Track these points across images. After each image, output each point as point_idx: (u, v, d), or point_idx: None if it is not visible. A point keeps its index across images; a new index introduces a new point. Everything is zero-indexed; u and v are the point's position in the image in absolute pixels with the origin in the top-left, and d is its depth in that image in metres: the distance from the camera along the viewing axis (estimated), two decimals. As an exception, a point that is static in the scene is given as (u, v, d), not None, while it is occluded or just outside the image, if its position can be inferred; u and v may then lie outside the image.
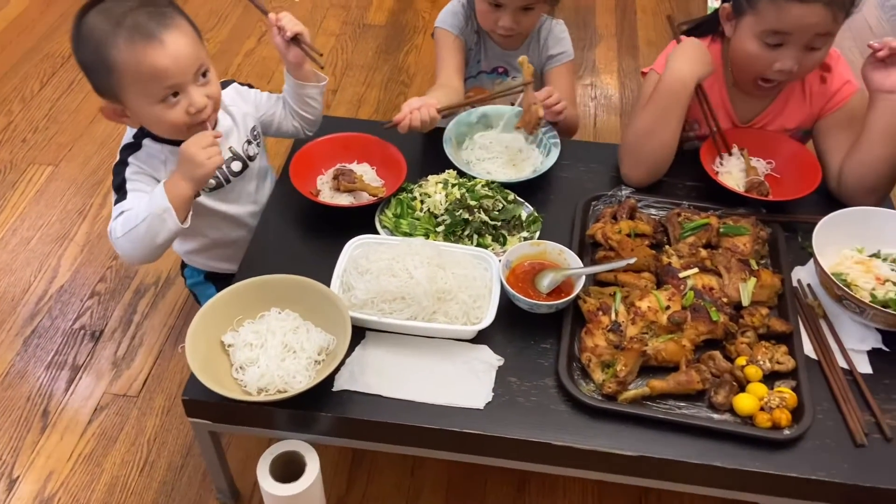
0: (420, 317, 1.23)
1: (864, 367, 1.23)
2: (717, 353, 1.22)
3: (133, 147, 1.36)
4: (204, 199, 1.43)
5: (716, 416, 1.16)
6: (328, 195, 1.49)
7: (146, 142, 1.36)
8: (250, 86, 1.55)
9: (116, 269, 1.95)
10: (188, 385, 1.18)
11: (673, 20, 1.59)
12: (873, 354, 1.25)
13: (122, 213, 1.30)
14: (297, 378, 1.16)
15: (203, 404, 1.18)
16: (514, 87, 1.61)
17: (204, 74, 1.29)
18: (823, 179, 1.51)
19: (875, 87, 1.43)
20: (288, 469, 1.20)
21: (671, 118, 1.49)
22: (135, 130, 1.37)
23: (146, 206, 1.27)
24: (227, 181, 1.47)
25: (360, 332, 1.27)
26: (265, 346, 1.19)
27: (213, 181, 1.43)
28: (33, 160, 2.28)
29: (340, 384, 1.19)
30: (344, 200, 1.48)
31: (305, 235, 1.46)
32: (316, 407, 1.17)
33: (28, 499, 1.48)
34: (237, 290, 1.24)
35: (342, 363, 1.20)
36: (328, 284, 1.26)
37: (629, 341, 1.20)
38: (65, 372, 1.70)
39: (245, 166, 1.48)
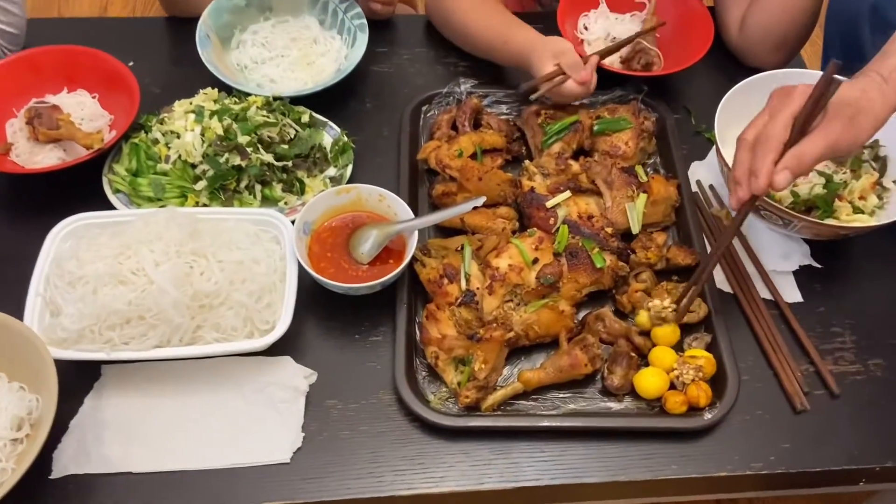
0: (175, 339, 0.80)
1: (791, 293, 0.94)
2: (606, 312, 0.89)
3: None
4: None
5: (614, 405, 0.84)
6: (26, 150, 0.98)
7: None
8: None
9: None
10: None
11: None
12: (801, 274, 0.96)
13: None
14: (-19, 481, 0.72)
15: None
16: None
17: None
18: (718, 34, 1.14)
19: None
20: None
21: None
22: None
23: None
24: None
25: (91, 372, 0.83)
26: (-81, 437, 0.74)
27: None
28: None
29: (63, 466, 0.77)
30: (49, 158, 0.97)
31: (-10, 225, 0.96)
32: (27, 513, 0.75)
33: None
34: None
35: (63, 431, 0.78)
36: (21, 309, 0.80)
37: (486, 328, 0.83)
38: None
39: None
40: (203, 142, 0.94)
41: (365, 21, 1.12)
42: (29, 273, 0.84)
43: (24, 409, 0.76)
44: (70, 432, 0.79)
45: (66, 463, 0.77)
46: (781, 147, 0.74)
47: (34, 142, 0.98)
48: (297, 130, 1.01)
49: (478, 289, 0.88)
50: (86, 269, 0.81)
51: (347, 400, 0.84)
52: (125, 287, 0.80)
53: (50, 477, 0.77)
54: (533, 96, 1.02)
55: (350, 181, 1.00)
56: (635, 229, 0.95)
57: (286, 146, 0.98)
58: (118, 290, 0.79)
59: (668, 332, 0.86)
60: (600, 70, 1.08)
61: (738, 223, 0.83)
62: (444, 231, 0.97)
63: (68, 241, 0.86)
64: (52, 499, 0.76)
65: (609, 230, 0.94)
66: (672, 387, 0.84)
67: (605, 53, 1.07)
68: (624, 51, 1.12)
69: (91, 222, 0.88)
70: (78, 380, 0.81)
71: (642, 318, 0.88)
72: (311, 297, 0.90)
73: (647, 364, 0.86)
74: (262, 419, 0.82)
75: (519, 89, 1.04)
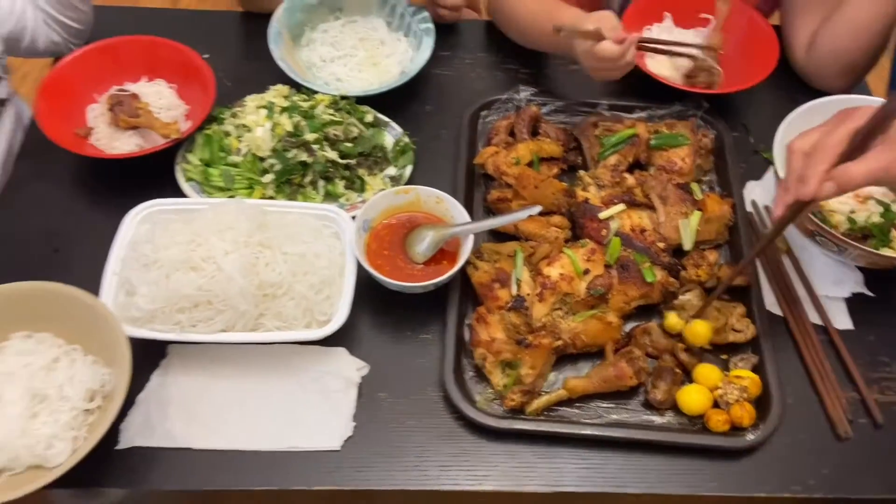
0: (239, 325, 0.85)
1: (842, 320, 0.94)
2: (653, 326, 0.90)
3: None
4: None
5: (656, 418, 0.86)
6: (106, 135, 1.03)
7: None
8: None
9: None
10: None
11: None
12: (853, 302, 0.96)
13: None
14: (56, 447, 0.77)
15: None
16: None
17: None
18: (784, 55, 1.14)
19: None
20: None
21: None
22: None
23: None
24: None
25: (158, 350, 0.88)
26: (1, 399, 0.79)
27: None
28: None
29: (130, 438, 0.82)
30: (128, 144, 1.02)
31: (71, 206, 1.01)
32: (94, 479, 0.80)
33: None
34: (-49, 316, 0.82)
35: (130, 405, 0.83)
36: (97, 286, 0.85)
37: (535, 335, 0.85)
38: None
39: None
40: (273, 137, 0.98)
41: (432, 26, 1.15)
42: (104, 252, 0.89)
43: (97, 382, 0.81)
44: (136, 406, 0.84)
45: (132, 435, 0.82)
46: (836, 159, 0.73)
47: (114, 127, 1.03)
48: (360, 129, 1.04)
49: (528, 295, 0.90)
50: (160, 254, 0.86)
51: (397, 394, 0.87)
52: (196, 273, 0.84)
53: (116, 447, 0.82)
54: (562, 33, 1.00)
55: (408, 182, 1.03)
56: (687, 246, 0.96)
57: (350, 144, 1.02)
58: (189, 276, 0.84)
59: (701, 330, 0.87)
60: (660, 84, 1.09)
61: (782, 227, 0.82)
62: (497, 235, 0.99)
63: (144, 225, 0.91)
64: (117, 468, 0.81)
65: (661, 245, 0.95)
66: (715, 405, 0.85)
67: (651, 41, 1.07)
68: (686, 66, 1.13)
69: (165, 208, 0.93)
70: (145, 357, 0.86)
71: (671, 320, 0.89)
72: (366, 292, 0.93)
73: (690, 381, 0.88)
74: (316, 407, 0.85)
75: (553, 28, 1.03)
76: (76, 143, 0.99)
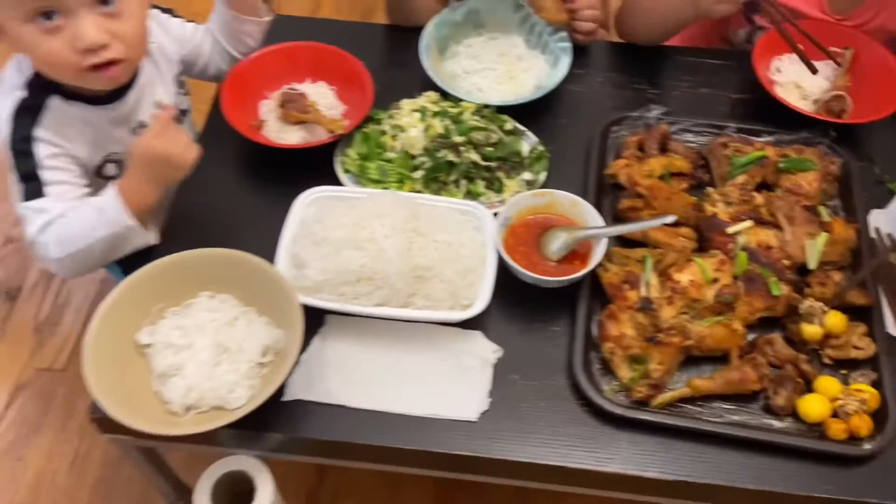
0: (393, 301, 0.95)
1: (962, 347, 0.97)
2: (776, 338, 0.95)
3: (33, 110, 0.97)
4: None
5: (775, 423, 0.91)
6: (275, 128, 1.16)
7: (54, 101, 0.98)
8: (171, 11, 1.16)
9: (37, 208, 1.63)
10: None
11: None
12: (976, 330, 0.98)
13: (48, 223, 0.95)
14: (236, 392, 0.89)
15: (121, 424, 0.92)
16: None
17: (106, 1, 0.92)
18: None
19: None
20: (235, 489, 0.96)
21: None
22: (20, 70, 1.00)
23: (96, 223, 0.94)
24: None
25: (316, 318, 0.98)
26: (192, 347, 0.91)
27: None
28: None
29: (294, 392, 0.93)
30: (294, 137, 1.15)
31: (244, 187, 1.14)
32: (261, 424, 0.91)
33: (-67, 503, 1.26)
34: (152, 272, 0.94)
35: (294, 363, 0.93)
36: (273, 257, 0.96)
37: (666, 333, 0.92)
38: (-26, 341, 1.43)
39: (181, 121, 1.15)
40: (425, 137, 1.09)
41: (570, 45, 1.23)
42: (273, 231, 1.01)
43: (271, 340, 0.93)
44: (300, 365, 0.94)
45: (296, 390, 0.93)
46: None
47: (282, 122, 1.16)
48: (500, 136, 1.13)
49: (656, 298, 0.96)
50: (329, 233, 0.97)
51: (527, 377, 0.95)
52: (359, 252, 0.95)
53: (282, 399, 0.92)
54: None
55: (541, 187, 1.11)
56: (812, 265, 1.00)
57: (491, 149, 1.11)
58: (354, 254, 0.94)
59: (838, 321, 0.93)
60: (787, 111, 1.14)
61: None
62: (624, 241, 1.06)
63: (311, 208, 1.02)
64: (283, 418, 0.91)
65: (786, 262, 1.00)
66: (834, 415, 0.89)
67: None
68: (817, 93, 1.18)
69: (329, 194, 1.04)
70: (309, 324, 0.97)
71: (808, 329, 0.93)
72: (501, 283, 1.00)
73: (810, 390, 0.92)
74: (454, 380, 0.94)
75: None
76: (251, 133, 1.12)
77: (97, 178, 1.06)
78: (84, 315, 1.46)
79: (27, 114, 0.97)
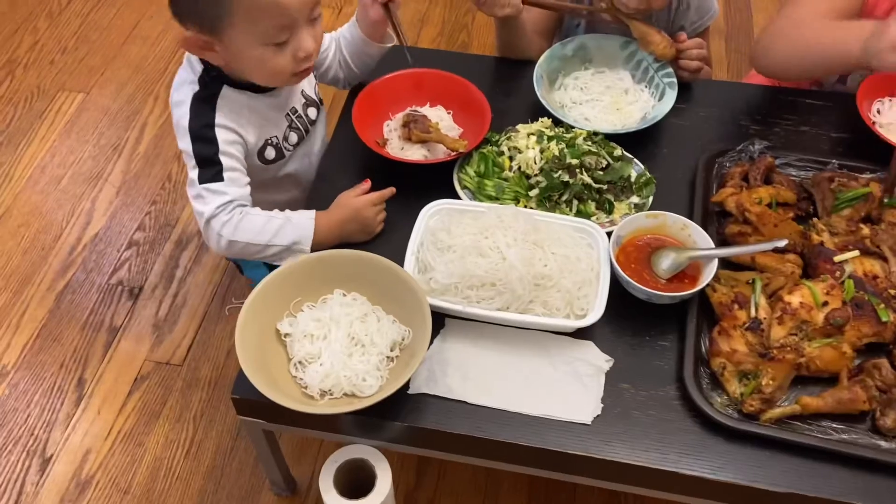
0: (513, 307, 1.01)
1: None
2: (883, 362, 0.98)
3: (209, 101, 1.10)
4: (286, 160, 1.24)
5: (883, 443, 0.93)
6: (397, 146, 1.25)
7: (226, 91, 1.11)
8: None
9: (155, 215, 1.76)
10: (238, 382, 0.99)
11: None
12: None
13: (226, 204, 1.07)
14: (367, 381, 0.96)
15: (257, 404, 1.00)
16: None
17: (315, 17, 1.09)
18: None
19: None
20: (354, 478, 1.03)
21: None
22: (192, 68, 1.12)
23: (279, 231, 1.08)
24: (307, 131, 1.26)
25: (437, 320, 1.05)
26: (328, 338, 0.99)
27: (295, 135, 1.23)
28: (62, 86, 2.06)
29: (417, 386, 0.99)
30: (416, 154, 1.24)
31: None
32: (388, 413, 0.97)
33: (63, 481, 1.35)
34: (292, 269, 1.03)
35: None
36: (400, 260, 1.04)
37: (780, 349, 0.96)
38: (101, 334, 1.53)
39: (318, 112, 1.29)
40: (542, 158, 1.16)
41: (676, 80, 1.30)
42: (399, 238, 1.09)
43: (399, 335, 1.00)
44: (424, 362, 1.01)
45: (419, 384, 0.99)
46: None
47: (405, 141, 1.25)
48: (609, 162, 1.20)
49: (764, 318, 1.00)
50: (454, 241, 1.04)
51: (638, 387, 1.00)
52: (483, 259, 1.02)
53: (407, 392, 0.99)
54: None
55: (650, 209, 1.17)
56: (918, 296, 1.03)
57: (602, 172, 1.18)
58: (479, 260, 1.02)
59: None
60: (889, 149, 1.18)
61: None
62: (729, 265, 1.10)
63: (436, 218, 1.10)
64: (407, 409, 0.98)
65: (892, 291, 1.03)
66: (945, 440, 0.91)
67: None
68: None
69: (452, 207, 1.12)
70: (432, 325, 1.03)
71: None
72: (610, 297, 1.05)
73: (920, 415, 0.94)
74: (569, 385, 0.99)
75: None
76: (379, 149, 1.21)
77: (259, 161, 1.19)
78: (199, 317, 1.56)
79: (204, 104, 1.10)
